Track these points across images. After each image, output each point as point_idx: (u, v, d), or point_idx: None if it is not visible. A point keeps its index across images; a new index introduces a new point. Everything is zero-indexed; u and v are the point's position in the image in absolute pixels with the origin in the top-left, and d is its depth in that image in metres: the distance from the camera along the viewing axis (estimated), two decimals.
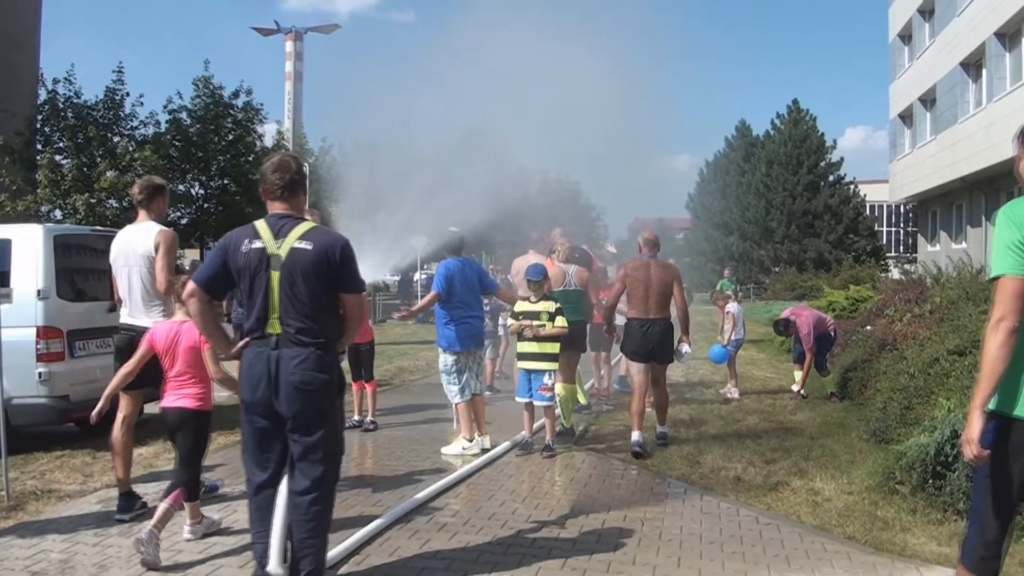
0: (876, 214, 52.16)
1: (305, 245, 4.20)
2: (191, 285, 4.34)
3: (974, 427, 3.11)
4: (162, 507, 5.08)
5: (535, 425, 8.18)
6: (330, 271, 4.21)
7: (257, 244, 4.23)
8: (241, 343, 4.31)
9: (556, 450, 7.86)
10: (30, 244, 8.25)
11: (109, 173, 28.90)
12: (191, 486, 5.33)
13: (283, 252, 4.19)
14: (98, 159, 29.36)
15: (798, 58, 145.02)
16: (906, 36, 35.59)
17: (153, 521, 4.99)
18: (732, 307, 11.98)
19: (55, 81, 30.67)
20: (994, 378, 3.10)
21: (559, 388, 8.49)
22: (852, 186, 47.11)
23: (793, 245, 45.15)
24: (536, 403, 7.90)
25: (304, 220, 4.33)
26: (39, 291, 8.08)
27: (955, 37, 28.48)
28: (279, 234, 4.24)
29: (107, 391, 5.49)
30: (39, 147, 29.51)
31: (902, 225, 53.55)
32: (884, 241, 50.79)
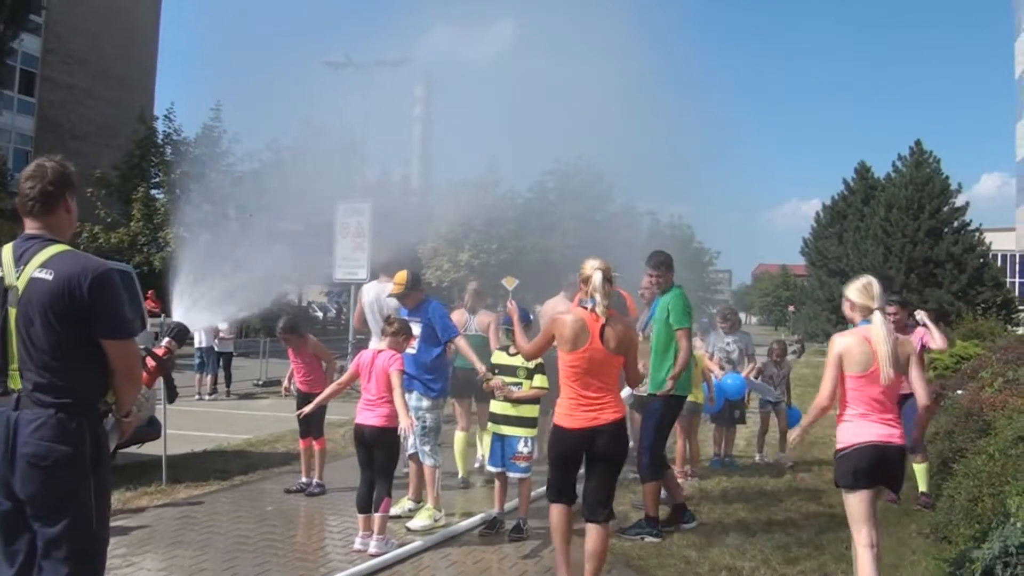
0: (1004, 264, 48.46)
1: (45, 275, 3.22)
2: None
3: None
4: (378, 518, 6.06)
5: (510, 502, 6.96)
6: (74, 308, 3.21)
7: None
8: None
9: (527, 531, 6.59)
10: None
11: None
12: (390, 495, 6.17)
13: (21, 284, 3.23)
14: (193, 194, 29.84)
15: (926, 99, 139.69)
16: None
17: (376, 531, 6.04)
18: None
19: (154, 119, 31.43)
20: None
21: (457, 435, 8.61)
22: (977, 233, 43.81)
23: (913, 295, 42.12)
24: (509, 474, 6.68)
25: (55, 243, 3.34)
26: None
27: None
28: (20, 260, 3.27)
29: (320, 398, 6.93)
30: (135, 182, 30.15)
31: None
32: (1017, 293, 47.06)
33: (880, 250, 43.68)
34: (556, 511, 5.21)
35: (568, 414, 5.10)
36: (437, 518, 6.85)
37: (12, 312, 3.25)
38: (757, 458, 10.45)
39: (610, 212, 44.05)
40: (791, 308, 65.88)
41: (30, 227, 3.38)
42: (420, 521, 6.78)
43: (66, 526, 3.21)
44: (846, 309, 5.07)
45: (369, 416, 6.24)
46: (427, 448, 6.90)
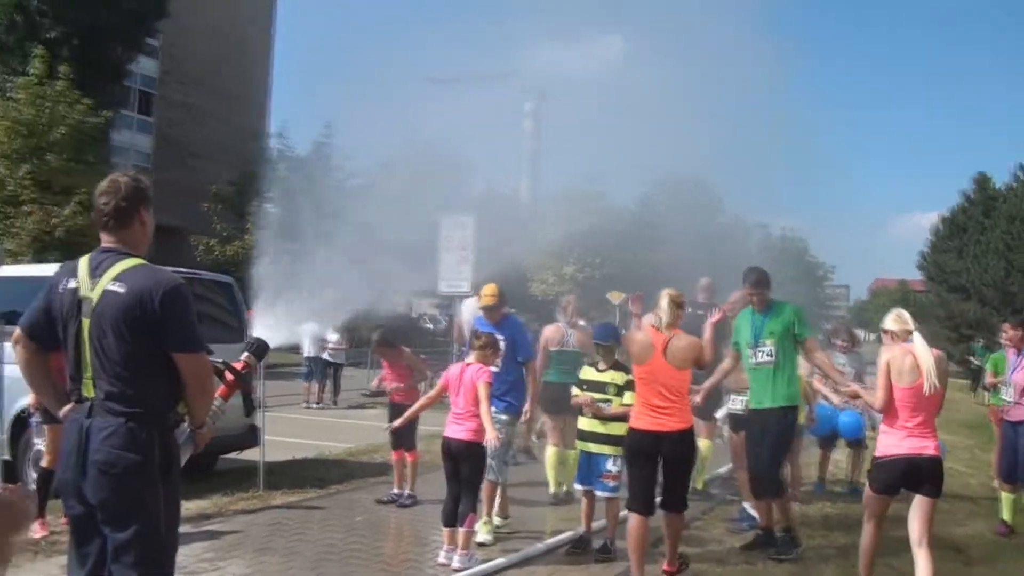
0: None
1: (118, 288, 3.29)
2: (16, 331, 3.55)
3: None
4: (463, 533, 6.04)
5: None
6: (145, 321, 3.27)
7: (72, 284, 3.38)
8: (68, 406, 3.45)
9: (615, 552, 6.42)
10: None
11: None
12: (475, 510, 6.17)
13: (95, 295, 3.31)
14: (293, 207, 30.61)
15: None
16: None
17: (460, 546, 6.00)
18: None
19: (268, 136, 32.52)
20: None
21: (549, 450, 8.51)
22: None
23: None
24: (597, 493, 6.55)
25: (130, 256, 3.40)
26: None
27: None
28: (95, 272, 3.35)
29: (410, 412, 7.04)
30: (250, 197, 31.17)
31: None
32: None
33: (1002, 265, 41.49)
34: (633, 521, 5.81)
35: (637, 417, 5.90)
36: (498, 524, 6.94)
37: (86, 323, 3.33)
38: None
39: (720, 224, 43.22)
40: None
41: (106, 241, 3.46)
42: (483, 535, 6.73)
43: (134, 532, 3.26)
44: (887, 340, 5.70)
45: (457, 430, 6.22)
46: (493, 463, 6.78)
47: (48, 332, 3.47)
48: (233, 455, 9.44)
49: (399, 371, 8.36)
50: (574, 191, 33.09)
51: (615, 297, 31.16)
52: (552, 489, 8.46)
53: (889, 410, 5.47)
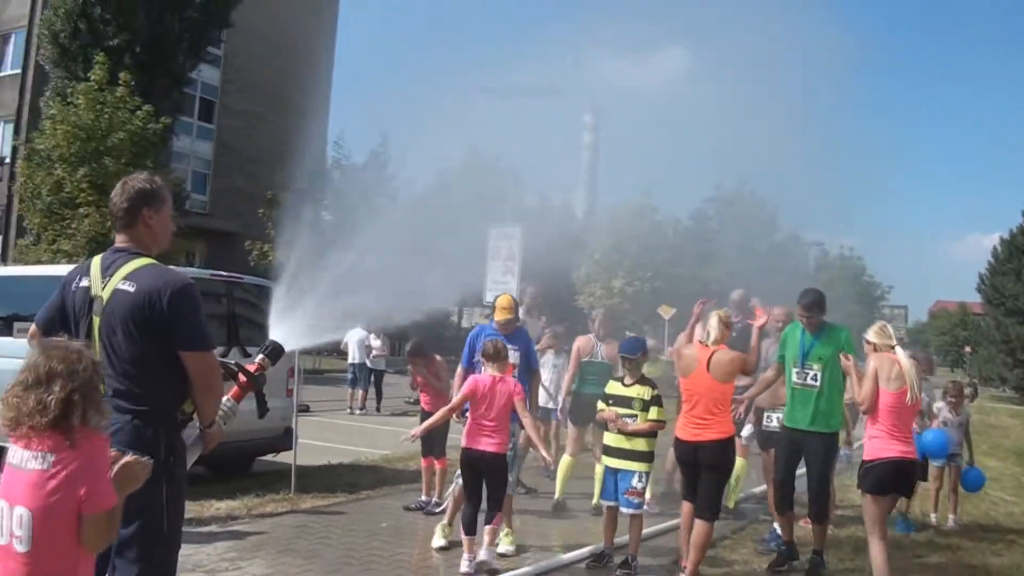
0: None
1: (127, 287, 3.36)
2: (32, 327, 3.65)
3: None
4: (489, 529, 6.18)
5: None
6: (153, 320, 3.33)
7: (84, 283, 3.47)
8: None
9: (635, 568, 6.33)
10: None
11: None
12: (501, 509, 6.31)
13: (106, 294, 3.39)
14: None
15: None
16: None
17: (487, 542, 6.18)
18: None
19: (324, 144, 32.94)
20: None
21: (565, 459, 8.65)
22: None
23: None
24: (622, 510, 6.46)
25: (139, 256, 3.47)
26: None
27: None
28: (107, 272, 3.44)
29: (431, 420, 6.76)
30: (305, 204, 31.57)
31: None
32: None
33: None
34: (684, 506, 6.32)
35: (681, 427, 6.25)
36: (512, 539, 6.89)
37: (97, 321, 3.41)
38: (933, 518, 8.78)
39: (775, 242, 42.76)
40: (967, 349, 61.98)
41: (118, 240, 3.57)
42: (504, 546, 6.73)
43: (137, 528, 3.30)
44: (869, 351, 6.00)
45: (487, 442, 6.14)
46: (510, 476, 6.74)
47: (62, 329, 3.54)
48: (269, 457, 9.57)
49: (432, 377, 8.43)
50: (629, 204, 32.97)
51: (666, 312, 30.96)
52: (557, 495, 8.54)
53: (873, 413, 5.76)
